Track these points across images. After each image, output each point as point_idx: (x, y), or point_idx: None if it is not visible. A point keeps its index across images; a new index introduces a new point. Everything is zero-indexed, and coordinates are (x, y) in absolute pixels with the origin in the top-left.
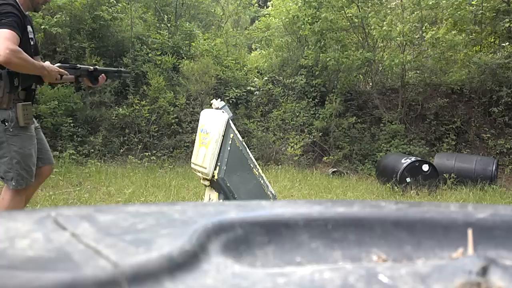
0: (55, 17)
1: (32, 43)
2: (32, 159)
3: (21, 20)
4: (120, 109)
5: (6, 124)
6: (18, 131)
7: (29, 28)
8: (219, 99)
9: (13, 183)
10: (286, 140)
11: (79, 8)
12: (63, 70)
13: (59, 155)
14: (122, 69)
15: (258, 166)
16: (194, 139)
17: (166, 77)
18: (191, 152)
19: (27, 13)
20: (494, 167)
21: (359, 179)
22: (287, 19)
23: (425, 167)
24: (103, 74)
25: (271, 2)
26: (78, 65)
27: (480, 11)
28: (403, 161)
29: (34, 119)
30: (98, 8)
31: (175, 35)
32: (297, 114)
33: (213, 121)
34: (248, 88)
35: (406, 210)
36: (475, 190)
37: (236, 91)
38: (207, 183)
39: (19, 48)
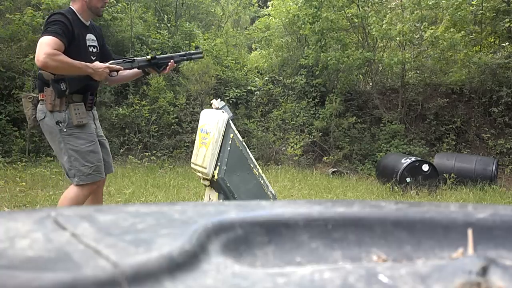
0: None
1: (94, 50)
2: (94, 156)
3: (70, 29)
4: (120, 109)
5: (60, 125)
6: (73, 130)
7: (90, 36)
8: (219, 99)
9: (76, 179)
10: (286, 140)
11: None
12: (115, 66)
13: None
14: (192, 51)
15: (258, 166)
16: (194, 139)
17: (166, 77)
18: (191, 152)
19: (89, 23)
20: (494, 167)
21: (359, 179)
22: (287, 19)
23: (425, 167)
24: (172, 61)
25: (271, 2)
26: (133, 58)
27: (480, 11)
28: (403, 161)
29: (99, 127)
30: None
31: (175, 35)
32: (297, 114)
33: (213, 121)
34: (248, 88)
35: (406, 210)
36: (475, 190)
37: (236, 91)
38: (207, 183)
39: (57, 51)
